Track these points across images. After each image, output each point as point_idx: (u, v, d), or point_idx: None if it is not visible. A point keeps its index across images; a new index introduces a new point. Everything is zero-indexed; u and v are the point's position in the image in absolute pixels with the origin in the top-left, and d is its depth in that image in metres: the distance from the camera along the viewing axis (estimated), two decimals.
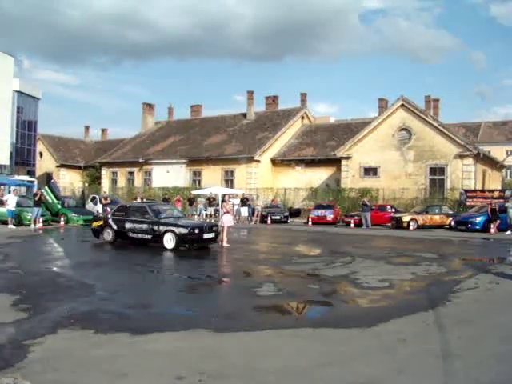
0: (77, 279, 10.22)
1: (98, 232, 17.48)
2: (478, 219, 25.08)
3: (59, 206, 26.82)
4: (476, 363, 5.33)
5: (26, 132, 48.24)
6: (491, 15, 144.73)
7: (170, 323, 6.81)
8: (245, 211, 32.19)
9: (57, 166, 54.33)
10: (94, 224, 17.76)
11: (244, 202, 32.71)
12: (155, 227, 15.96)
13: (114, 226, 16.90)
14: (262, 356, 5.53)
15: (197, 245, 15.83)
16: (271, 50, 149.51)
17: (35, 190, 27.31)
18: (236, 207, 32.02)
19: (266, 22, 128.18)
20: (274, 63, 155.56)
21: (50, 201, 26.72)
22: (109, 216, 17.46)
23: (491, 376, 5.00)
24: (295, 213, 35.15)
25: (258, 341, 6.13)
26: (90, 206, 30.17)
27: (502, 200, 26.99)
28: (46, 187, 27.44)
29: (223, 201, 20.02)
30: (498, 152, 51.70)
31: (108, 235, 17.05)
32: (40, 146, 54.10)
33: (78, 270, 11.55)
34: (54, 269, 11.79)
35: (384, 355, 5.58)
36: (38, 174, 49.02)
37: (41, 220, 23.95)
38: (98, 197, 30.88)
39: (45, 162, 54.04)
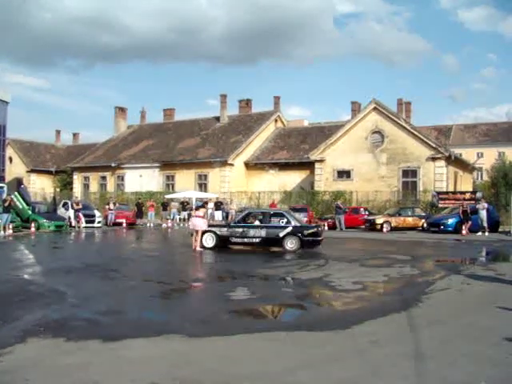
0: (48, 286, 10.06)
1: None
2: (450, 221, 25.47)
3: (30, 212, 26.41)
4: (448, 363, 5.39)
5: None
6: (459, 20, 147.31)
7: (143, 329, 6.74)
8: (219, 215, 32.13)
9: (27, 171, 53.59)
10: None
11: (218, 205, 32.67)
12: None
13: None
14: (235, 361, 5.52)
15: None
16: (245, 54, 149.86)
17: (4, 195, 26.80)
18: (210, 211, 31.94)
19: (240, 26, 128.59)
20: (247, 67, 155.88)
21: (21, 207, 26.30)
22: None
23: (463, 376, 5.07)
24: None
25: (232, 345, 6.11)
26: (61, 211, 29.72)
27: (473, 202, 27.44)
28: (16, 193, 26.99)
29: (202, 206, 20.08)
30: (469, 154, 52.69)
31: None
32: (9, 151, 53.24)
33: (50, 277, 11.37)
34: (25, 276, 11.58)
35: (357, 358, 5.61)
36: (7, 179, 48.04)
37: (10, 226, 23.52)
38: (69, 202, 30.47)
39: (14, 167, 53.23)
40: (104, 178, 47.03)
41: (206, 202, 32.12)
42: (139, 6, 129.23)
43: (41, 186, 52.38)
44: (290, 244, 16.64)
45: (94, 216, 29.56)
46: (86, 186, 48.36)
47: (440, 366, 5.32)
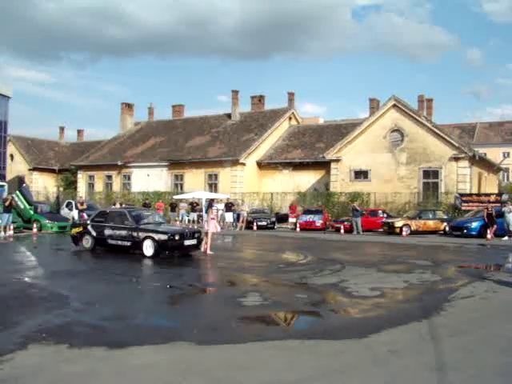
0: (50, 290, 10.13)
1: (76, 239, 17.79)
2: (474, 224, 25.23)
3: (32, 212, 26.57)
4: (472, 376, 5.34)
5: None
6: (484, 12, 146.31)
7: (150, 336, 6.75)
8: (229, 217, 32.17)
9: (29, 170, 53.89)
10: (73, 230, 18.19)
11: (229, 207, 32.68)
12: (134, 233, 16.00)
13: (94, 233, 17.19)
14: (247, 370, 5.50)
15: (178, 252, 15.86)
16: (258, 48, 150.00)
17: (5, 194, 26.99)
18: (220, 212, 31.98)
19: (253, 18, 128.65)
20: (260, 61, 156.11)
21: (22, 206, 26.48)
22: (88, 222, 17.91)
23: None
24: (282, 218, 35.20)
25: (243, 354, 6.10)
26: (65, 211, 29.93)
27: (498, 204, 27.20)
28: (18, 192, 27.16)
29: (210, 206, 20.14)
30: (494, 154, 52.27)
31: (87, 242, 17.35)
32: (11, 148, 53.64)
33: (52, 281, 11.44)
34: (26, 279, 11.65)
35: (375, 368, 5.57)
36: (8, 177, 48.36)
37: (12, 227, 23.69)
38: (73, 202, 30.63)
39: (16, 165, 53.56)
40: (110, 177, 47.16)
41: (212, 200, 32.20)
42: None
43: (43, 185, 52.64)
44: None
45: None
46: (91, 186, 48.53)
47: (463, 378, 5.27)
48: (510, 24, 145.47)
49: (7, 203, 23.78)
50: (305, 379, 5.23)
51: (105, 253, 16.55)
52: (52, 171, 54.86)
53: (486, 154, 43.23)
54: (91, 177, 48.69)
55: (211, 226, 17.11)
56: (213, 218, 17.52)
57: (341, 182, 35.66)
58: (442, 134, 32.92)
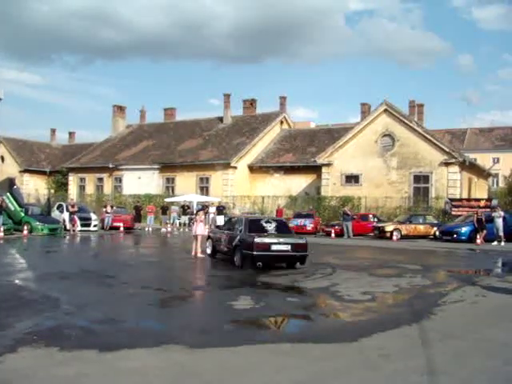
0: (41, 292, 10.05)
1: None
2: (464, 229, 25.35)
3: (22, 214, 26.41)
4: (462, 379, 5.36)
5: None
6: (473, 19, 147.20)
7: (141, 339, 6.72)
8: (221, 220, 32.09)
9: (20, 171, 53.59)
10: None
11: (220, 210, 32.65)
12: None
13: None
14: (238, 373, 5.50)
15: None
16: (250, 52, 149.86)
17: None
18: (212, 216, 31.96)
19: (246, 22, 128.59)
20: (252, 65, 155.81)
21: (13, 208, 26.31)
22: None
23: None
24: None
25: (235, 357, 6.09)
26: (56, 214, 29.76)
27: (488, 209, 27.33)
28: (8, 194, 26.98)
29: (201, 210, 20.10)
30: (484, 159, 52.48)
31: None
32: (1, 150, 53.39)
33: (43, 283, 11.37)
34: (16, 281, 11.57)
35: (366, 372, 5.58)
36: None
37: (2, 229, 23.54)
38: (64, 204, 30.50)
39: (7, 167, 53.30)
40: (101, 179, 47.05)
41: (207, 206, 32.22)
42: (140, 0, 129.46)
43: (34, 187, 52.36)
44: None
45: (89, 219, 29.57)
46: (82, 188, 48.41)
47: (453, 382, 5.29)
48: (499, 31, 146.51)
49: None
50: (296, 383, 5.23)
51: (97, 255, 16.48)
52: (43, 173, 54.60)
53: (476, 160, 43.38)
54: (82, 179, 48.57)
55: (200, 229, 17.11)
56: (201, 221, 17.52)
57: (332, 186, 35.76)
58: (432, 140, 33.09)
